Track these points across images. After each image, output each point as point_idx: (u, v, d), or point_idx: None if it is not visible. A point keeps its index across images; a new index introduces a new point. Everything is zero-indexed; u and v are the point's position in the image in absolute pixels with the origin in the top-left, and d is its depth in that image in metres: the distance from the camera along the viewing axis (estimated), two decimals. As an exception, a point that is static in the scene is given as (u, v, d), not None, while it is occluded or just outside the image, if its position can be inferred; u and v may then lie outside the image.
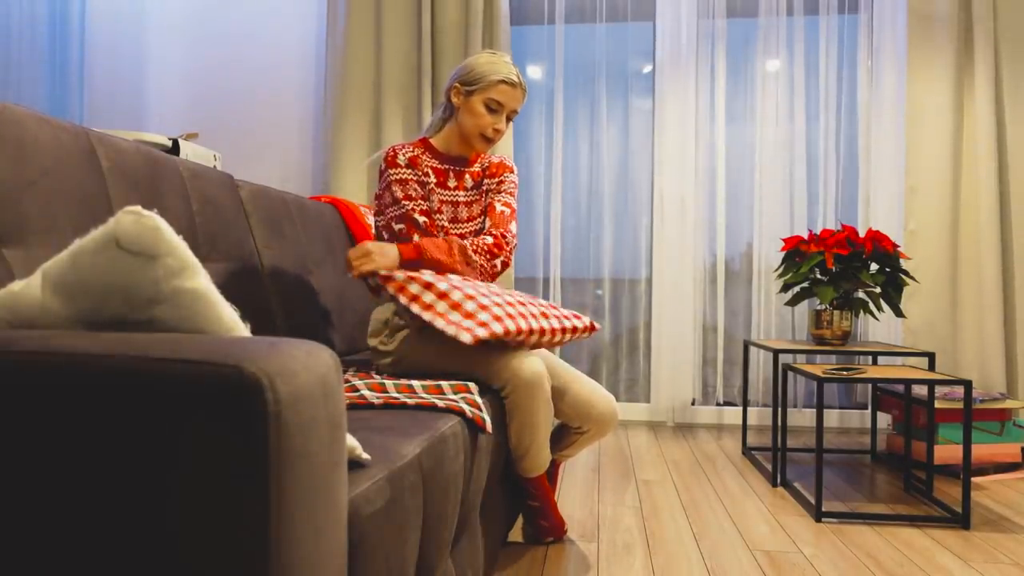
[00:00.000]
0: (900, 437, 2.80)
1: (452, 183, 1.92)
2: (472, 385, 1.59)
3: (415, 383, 1.59)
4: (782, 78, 3.44)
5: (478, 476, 1.37)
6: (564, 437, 1.94)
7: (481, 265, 1.81)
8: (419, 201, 1.82)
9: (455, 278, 1.67)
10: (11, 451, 0.64)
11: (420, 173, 1.86)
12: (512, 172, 2.00)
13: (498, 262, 1.85)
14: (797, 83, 3.43)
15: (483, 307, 1.56)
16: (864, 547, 1.92)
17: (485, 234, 1.86)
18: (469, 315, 1.53)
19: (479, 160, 2.00)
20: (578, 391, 1.84)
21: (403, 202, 1.81)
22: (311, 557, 0.67)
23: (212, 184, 1.77)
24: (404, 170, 1.84)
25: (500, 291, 1.70)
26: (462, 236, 1.91)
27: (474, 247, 1.81)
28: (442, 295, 1.57)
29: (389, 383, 1.57)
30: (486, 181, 1.97)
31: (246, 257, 1.85)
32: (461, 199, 1.93)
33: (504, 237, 1.86)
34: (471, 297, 1.58)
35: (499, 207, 1.92)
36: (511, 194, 1.97)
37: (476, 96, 1.85)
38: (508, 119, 1.90)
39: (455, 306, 1.56)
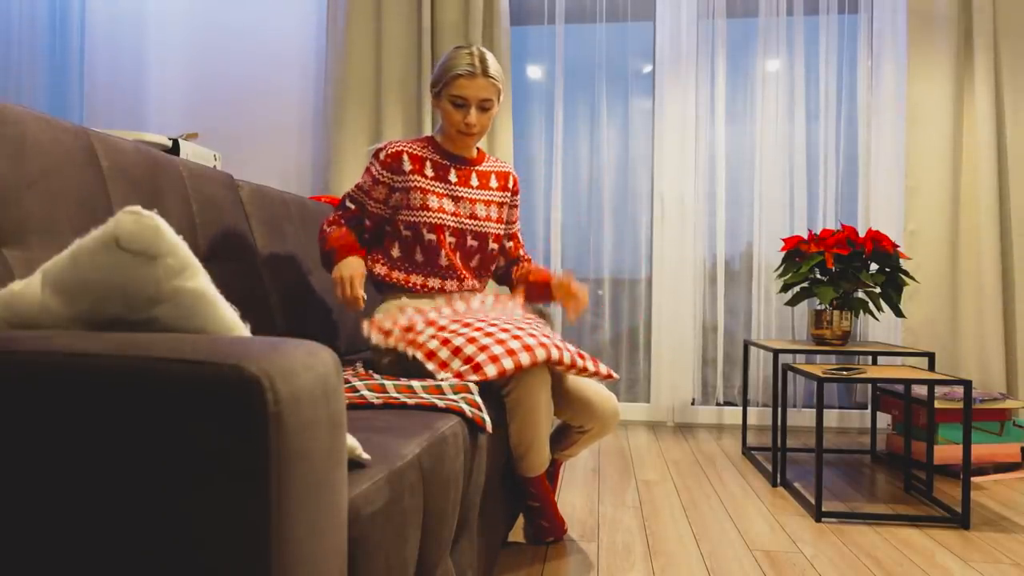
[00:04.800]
0: (900, 437, 2.80)
1: (454, 178, 1.93)
2: (472, 385, 1.59)
3: (415, 383, 1.59)
4: (782, 78, 3.44)
5: (478, 476, 1.37)
6: (566, 436, 1.94)
7: None
8: (365, 195, 1.92)
9: (460, 315, 1.75)
10: (11, 451, 0.64)
11: (389, 172, 1.90)
12: (519, 190, 2.13)
13: None
14: (797, 83, 3.43)
15: (483, 347, 1.60)
16: (864, 547, 1.92)
17: (524, 259, 2.14)
18: (469, 359, 1.60)
19: (485, 160, 2.02)
20: (579, 389, 1.85)
21: (354, 190, 1.94)
22: (311, 557, 0.67)
23: (212, 184, 1.77)
24: (378, 167, 1.91)
25: (504, 319, 1.73)
26: (480, 234, 1.96)
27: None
28: (445, 341, 1.64)
29: (389, 383, 1.57)
30: (509, 196, 2.07)
31: (246, 257, 1.85)
32: (470, 195, 1.95)
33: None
34: (472, 340, 1.63)
35: (520, 236, 2.16)
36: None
37: (443, 95, 1.88)
38: (485, 109, 1.88)
39: (456, 351, 1.62)
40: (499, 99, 1.91)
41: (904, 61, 3.29)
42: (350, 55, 3.40)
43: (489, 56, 1.86)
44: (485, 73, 1.84)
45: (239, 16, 3.65)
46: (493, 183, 2.00)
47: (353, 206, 1.93)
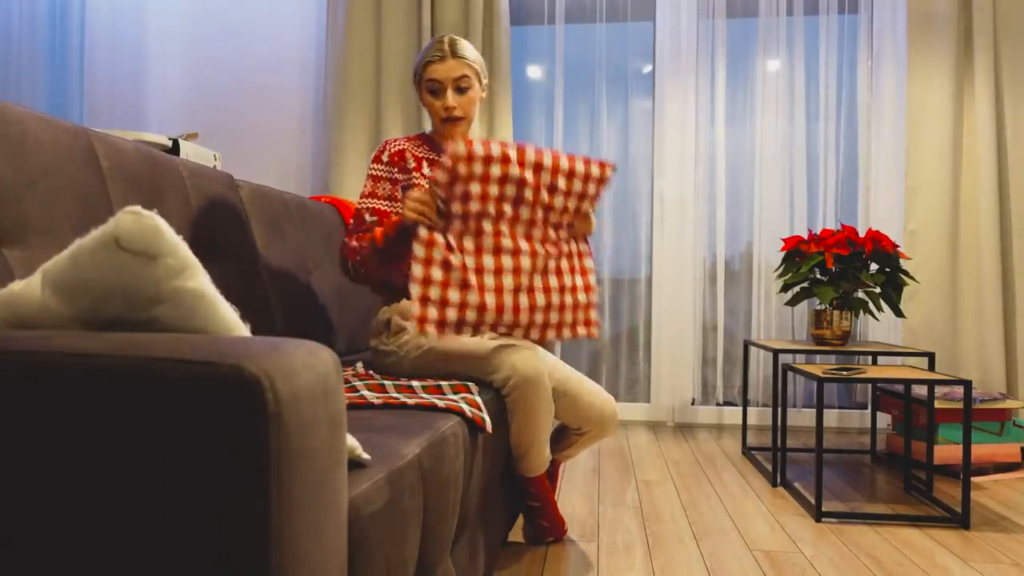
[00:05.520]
0: (900, 437, 2.80)
1: None
2: (472, 385, 1.59)
3: (415, 383, 1.59)
4: (782, 78, 3.44)
5: (478, 476, 1.37)
6: (564, 438, 1.94)
7: None
8: (379, 200, 1.84)
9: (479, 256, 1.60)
10: (11, 451, 0.64)
11: (397, 169, 1.86)
12: None
13: None
14: (797, 83, 3.43)
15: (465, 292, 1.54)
16: (864, 547, 1.92)
17: None
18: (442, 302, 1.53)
19: None
20: (578, 392, 1.85)
21: (363, 199, 1.85)
22: (311, 557, 0.67)
23: (212, 184, 1.77)
24: (382, 167, 1.87)
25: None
26: None
27: None
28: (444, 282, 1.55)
29: (389, 383, 1.57)
30: None
31: (246, 257, 1.85)
32: None
33: None
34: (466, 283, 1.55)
35: None
36: None
37: (421, 87, 1.86)
38: (463, 90, 1.83)
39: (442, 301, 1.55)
40: (480, 82, 1.87)
41: (904, 61, 3.29)
42: (350, 55, 3.40)
43: (462, 41, 1.84)
44: (454, 54, 1.81)
45: (239, 16, 3.65)
46: None
47: (374, 218, 1.82)
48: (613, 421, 1.88)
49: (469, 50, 1.84)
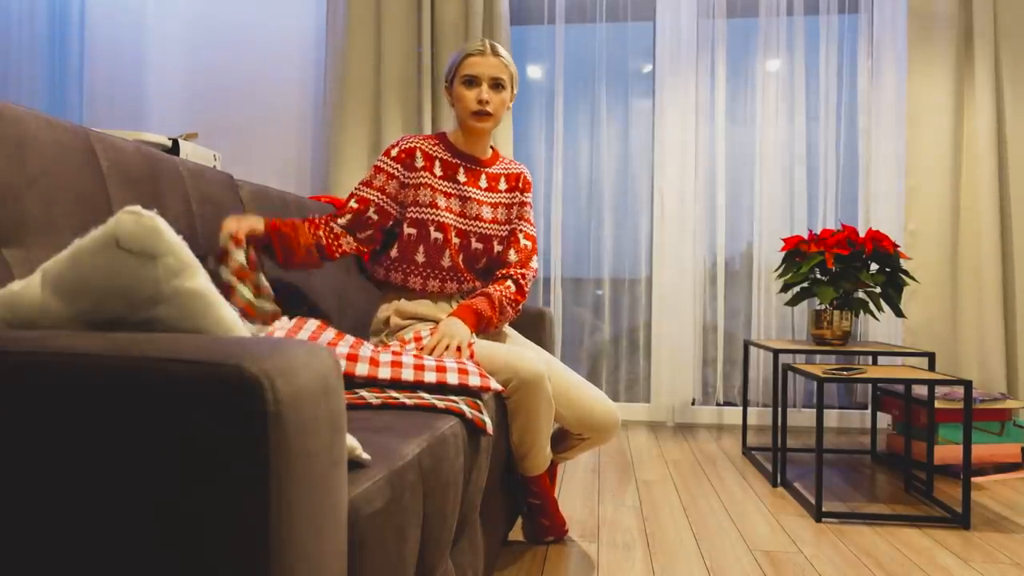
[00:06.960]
0: (900, 437, 2.80)
1: (462, 178, 1.90)
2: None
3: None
4: (782, 78, 3.44)
5: (478, 476, 1.37)
6: (564, 440, 1.94)
7: (511, 313, 1.92)
8: (372, 190, 1.85)
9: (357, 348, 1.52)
10: (11, 451, 0.64)
11: (402, 166, 1.85)
12: (530, 189, 2.05)
13: (520, 307, 1.95)
14: (797, 83, 3.43)
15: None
16: (864, 547, 1.92)
17: (510, 278, 1.94)
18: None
19: (499, 162, 1.98)
20: (579, 399, 1.83)
21: (360, 185, 1.87)
22: (311, 557, 0.67)
23: (212, 184, 1.77)
24: (388, 160, 1.87)
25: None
26: (485, 236, 1.92)
27: (507, 299, 1.90)
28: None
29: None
30: (519, 195, 2.00)
31: (246, 257, 1.84)
32: (477, 197, 1.90)
33: (525, 277, 1.96)
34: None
35: (523, 240, 1.99)
36: (531, 220, 2.04)
37: (456, 82, 1.87)
38: (499, 88, 1.85)
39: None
40: (512, 87, 1.89)
41: (904, 61, 3.29)
42: (350, 55, 3.40)
43: (501, 46, 1.88)
44: (495, 53, 1.84)
45: (239, 16, 3.65)
46: (502, 185, 1.96)
47: (357, 204, 1.84)
48: (614, 429, 1.85)
49: (508, 56, 1.88)
